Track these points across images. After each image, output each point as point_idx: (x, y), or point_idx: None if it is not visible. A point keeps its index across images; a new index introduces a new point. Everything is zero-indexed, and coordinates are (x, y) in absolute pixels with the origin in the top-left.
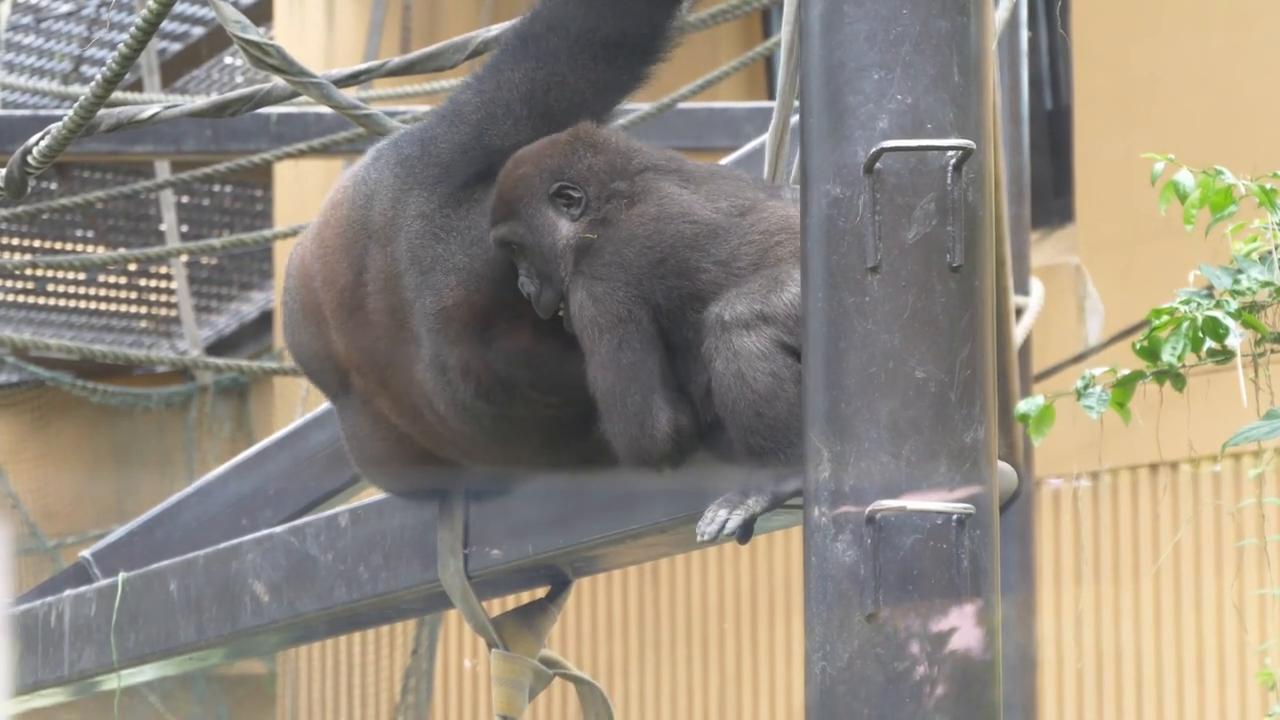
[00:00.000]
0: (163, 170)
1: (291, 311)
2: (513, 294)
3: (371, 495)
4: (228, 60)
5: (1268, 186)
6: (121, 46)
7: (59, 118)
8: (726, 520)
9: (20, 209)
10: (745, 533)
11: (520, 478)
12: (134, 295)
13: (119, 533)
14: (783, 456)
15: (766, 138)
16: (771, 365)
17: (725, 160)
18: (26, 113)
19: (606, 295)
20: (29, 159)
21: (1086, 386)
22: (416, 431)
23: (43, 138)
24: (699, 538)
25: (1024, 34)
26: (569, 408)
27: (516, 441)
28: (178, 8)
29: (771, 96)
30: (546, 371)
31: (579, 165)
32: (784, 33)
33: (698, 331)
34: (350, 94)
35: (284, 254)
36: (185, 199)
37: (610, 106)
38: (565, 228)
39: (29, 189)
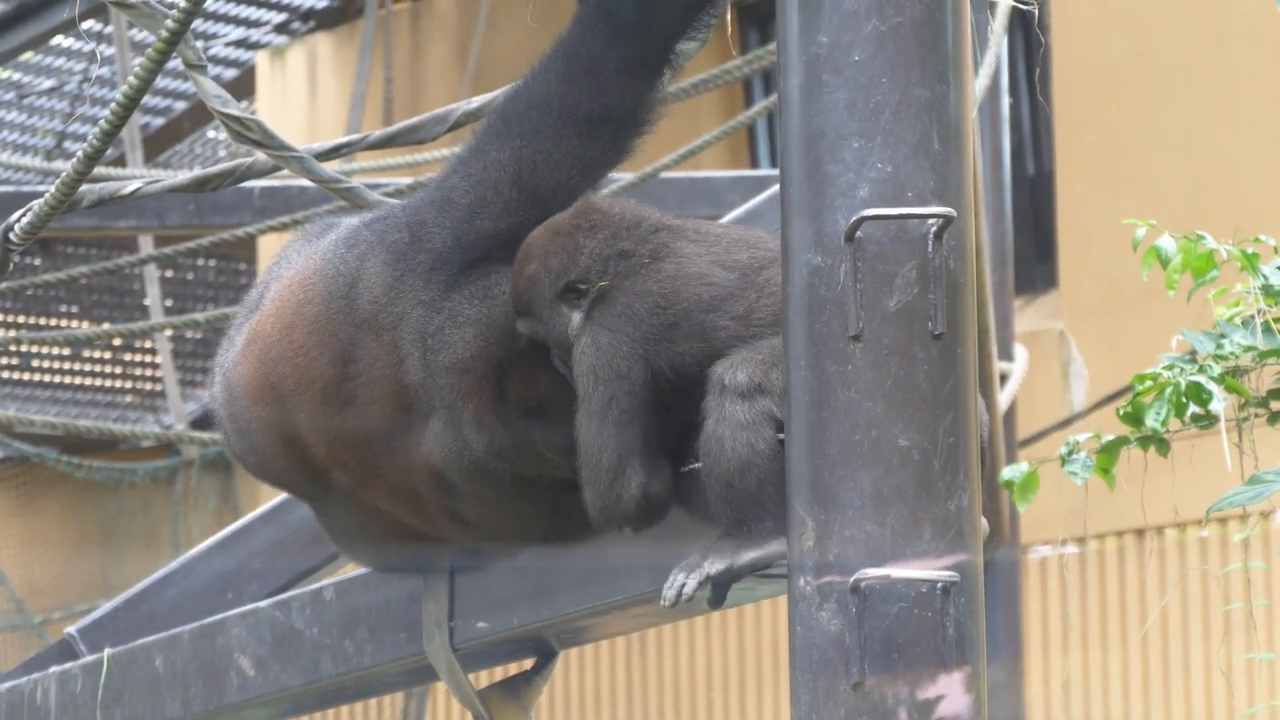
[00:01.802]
0: (146, 245)
1: (245, 432)
2: (528, 345)
3: (357, 569)
4: (210, 134)
5: (1249, 251)
6: (103, 122)
7: (42, 194)
8: (684, 584)
9: (3, 285)
10: (718, 597)
11: (528, 547)
12: (118, 370)
13: (104, 609)
14: (747, 529)
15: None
16: (751, 436)
17: None
18: (9, 189)
19: (610, 347)
20: (11, 236)
21: (1071, 453)
22: (412, 515)
23: (25, 214)
24: (662, 603)
25: (1005, 101)
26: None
27: (529, 506)
28: (159, 83)
29: (754, 166)
30: (560, 427)
31: (581, 259)
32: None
33: (707, 383)
34: (332, 167)
35: None
36: (169, 273)
37: (597, 180)
38: (577, 319)
39: (11, 265)
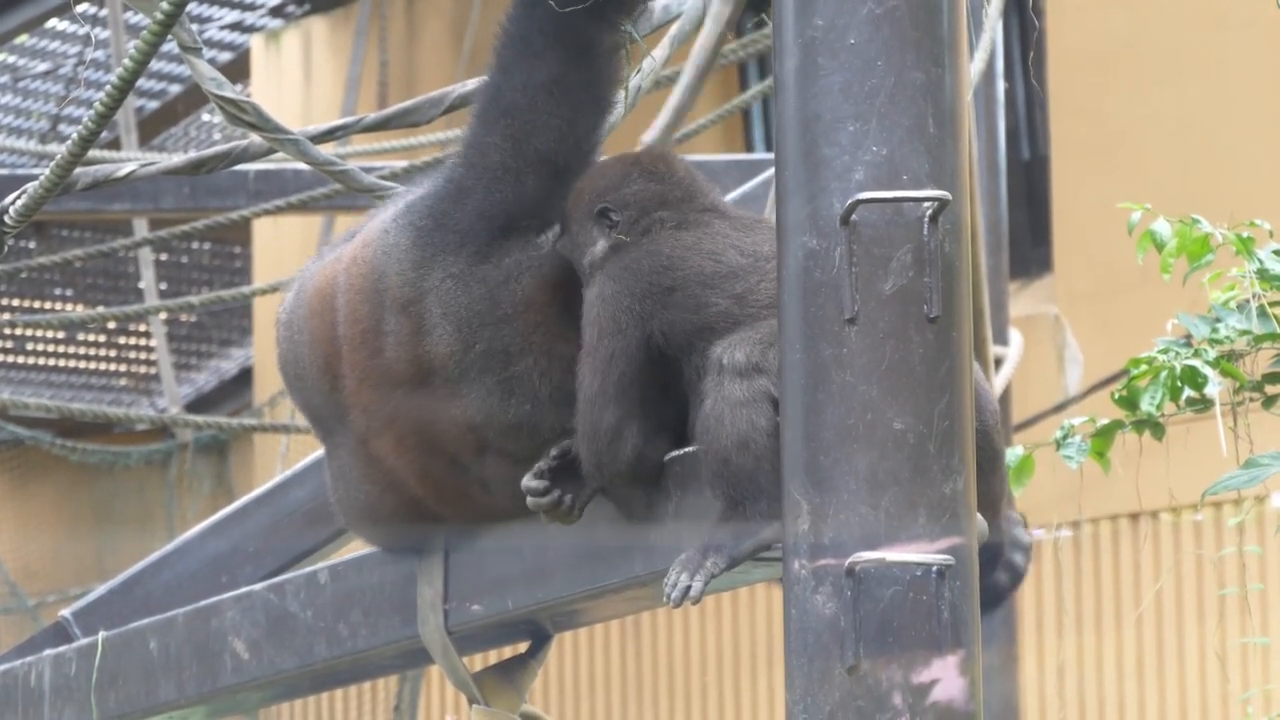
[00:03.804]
0: (141, 228)
1: (297, 341)
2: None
3: (351, 552)
4: (205, 118)
5: (1244, 235)
6: (98, 104)
7: (37, 177)
8: (689, 586)
9: None
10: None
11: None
12: (113, 353)
13: (98, 591)
14: (743, 509)
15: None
16: (750, 413)
17: None
18: (4, 172)
19: (613, 298)
20: (6, 218)
21: (1066, 436)
22: (414, 475)
23: (19, 196)
24: (664, 601)
25: (1000, 85)
26: None
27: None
28: (154, 65)
29: (749, 149)
30: None
31: (627, 190)
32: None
33: (705, 363)
34: (327, 150)
35: (263, 311)
36: (163, 256)
37: (594, 128)
38: (601, 245)
39: (6, 248)
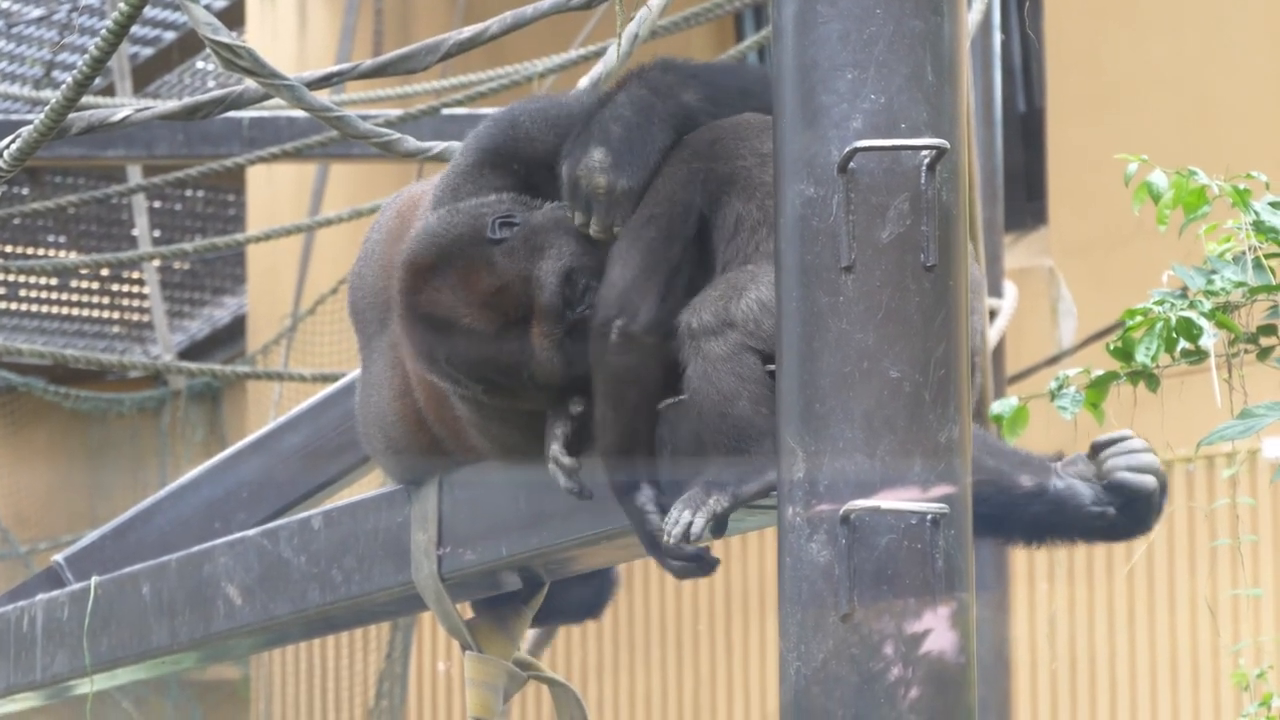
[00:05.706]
0: (134, 175)
1: (373, 241)
2: None
3: (344, 498)
4: (199, 65)
5: (1241, 187)
6: (93, 48)
7: (31, 122)
8: (691, 523)
9: None
10: (718, 528)
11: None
12: (106, 300)
13: (91, 537)
14: (746, 456)
15: None
16: (734, 366)
17: None
18: None
19: (669, 173)
20: (0, 162)
21: (1060, 387)
22: (420, 387)
23: (13, 140)
24: (666, 539)
25: (997, 36)
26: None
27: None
28: (148, 12)
29: None
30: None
31: None
32: None
33: (675, 329)
34: (322, 96)
35: (257, 258)
36: (157, 203)
37: None
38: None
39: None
